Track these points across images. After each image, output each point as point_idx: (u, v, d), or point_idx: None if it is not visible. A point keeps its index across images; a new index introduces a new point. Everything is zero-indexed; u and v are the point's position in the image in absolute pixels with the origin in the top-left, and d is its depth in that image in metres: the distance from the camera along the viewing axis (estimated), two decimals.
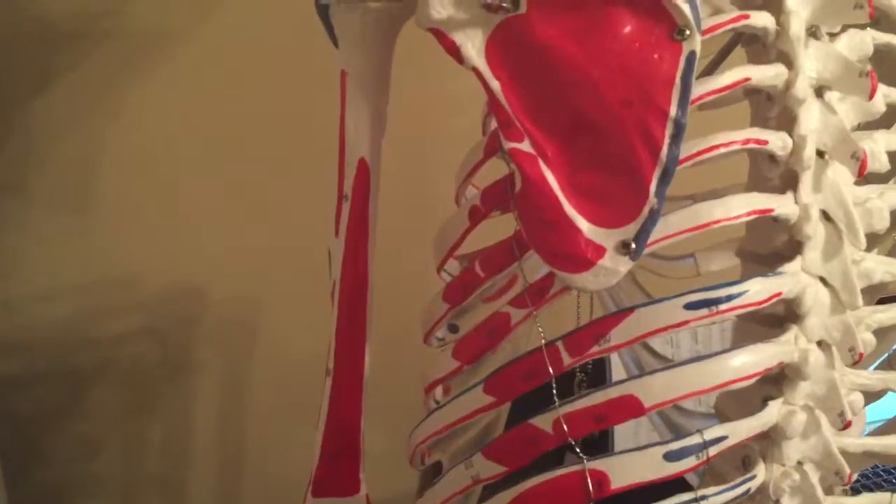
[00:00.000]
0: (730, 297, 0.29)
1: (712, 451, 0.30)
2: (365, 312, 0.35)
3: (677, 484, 0.31)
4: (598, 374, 0.54)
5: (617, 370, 0.60)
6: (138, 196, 0.80)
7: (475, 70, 0.30)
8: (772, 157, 0.32)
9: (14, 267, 0.80)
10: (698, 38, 0.28)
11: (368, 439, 0.38)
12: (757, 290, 0.30)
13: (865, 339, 0.33)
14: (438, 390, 0.38)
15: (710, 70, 0.37)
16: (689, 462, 0.30)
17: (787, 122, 0.32)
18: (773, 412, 0.32)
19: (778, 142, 0.31)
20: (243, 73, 0.77)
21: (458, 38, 0.30)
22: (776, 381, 0.33)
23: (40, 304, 0.81)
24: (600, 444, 0.59)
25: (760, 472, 0.32)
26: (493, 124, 0.32)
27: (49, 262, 0.80)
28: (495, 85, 0.30)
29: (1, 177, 0.78)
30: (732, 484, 0.31)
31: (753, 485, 0.32)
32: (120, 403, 0.85)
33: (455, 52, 0.30)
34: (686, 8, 0.28)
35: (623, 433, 0.58)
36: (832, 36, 0.34)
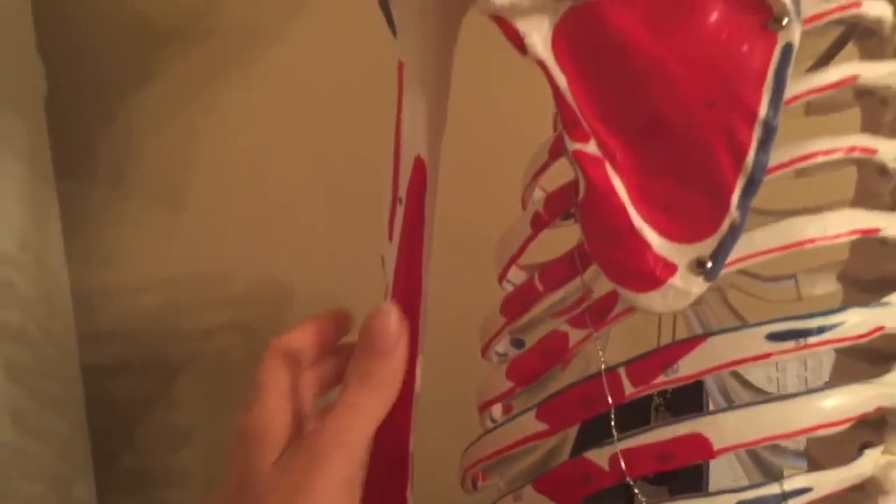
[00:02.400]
0: (822, 329, 0.25)
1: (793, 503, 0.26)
2: (418, 323, 0.33)
3: None
4: (683, 398, 0.50)
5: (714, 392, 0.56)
6: (230, 192, 0.81)
7: (540, 63, 0.27)
8: (882, 170, 0.27)
9: (112, 258, 0.82)
10: (797, 28, 0.25)
11: (419, 454, 0.36)
12: (855, 321, 0.26)
13: None
14: (497, 408, 0.35)
15: (823, 64, 0.33)
16: None
17: None
18: (868, 462, 0.27)
19: (890, 152, 0.27)
20: (335, 71, 0.77)
21: (523, 26, 0.27)
22: (877, 426, 0.29)
23: (135, 295, 0.84)
24: (693, 477, 0.55)
25: None
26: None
27: (144, 255, 0.82)
28: (562, 80, 0.27)
29: (103, 170, 0.80)
30: None
31: None
32: (206, 395, 0.86)
33: (519, 42, 0.27)
34: None
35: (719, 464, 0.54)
36: None
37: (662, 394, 0.44)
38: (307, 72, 0.77)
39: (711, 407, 0.45)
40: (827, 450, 0.31)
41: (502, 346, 0.37)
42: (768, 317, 0.27)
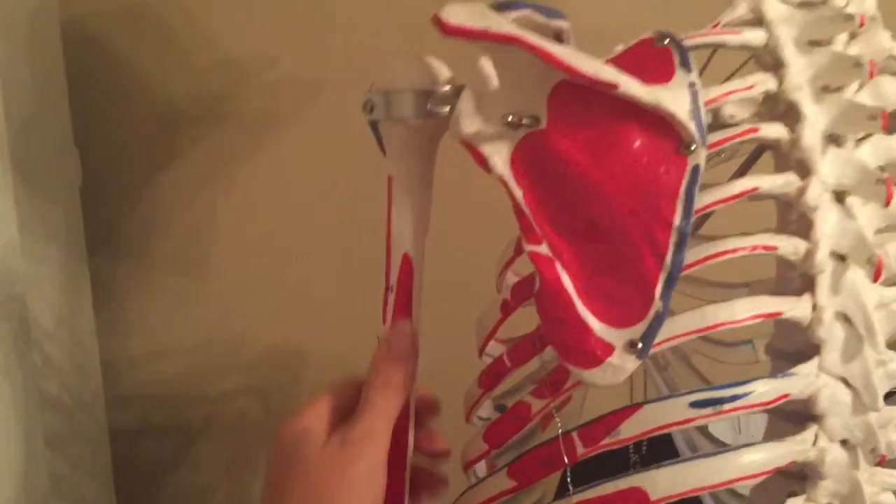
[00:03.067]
0: (734, 398, 0.31)
1: None
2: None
3: None
4: (659, 452, 0.55)
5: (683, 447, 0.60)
6: (247, 263, 0.87)
7: (501, 179, 0.33)
8: (786, 262, 0.33)
9: (136, 326, 0.87)
10: (703, 153, 0.30)
11: None
12: (762, 391, 0.31)
13: (893, 441, 0.33)
14: (481, 466, 0.41)
15: (742, 173, 0.38)
16: None
17: (804, 226, 0.33)
18: None
19: (789, 247, 0.32)
20: (345, 153, 0.83)
21: (487, 150, 0.33)
22: (800, 478, 0.34)
23: (157, 362, 0.89)
24: None
25: None
26: None
27: (167, 323, 0.88)
28: (518, 193, 0.33)
29: (129, 243, 0.86)
30: None
31: None
32: (225, 457, 0.90)
33: (483, 162, 0.33)
34: (692, 125, 0.30)
35: None
36: (859, 141, 0.35)
37: (637, 450, 0.49)
38: (319, 153, 0.83)
39: None
40: (764, 497, 0.36)
41: (486, 411, 0.42)
42: (731, 377, 0.33)
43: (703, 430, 0.49)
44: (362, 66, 0.83)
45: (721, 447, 0.39)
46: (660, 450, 0.53)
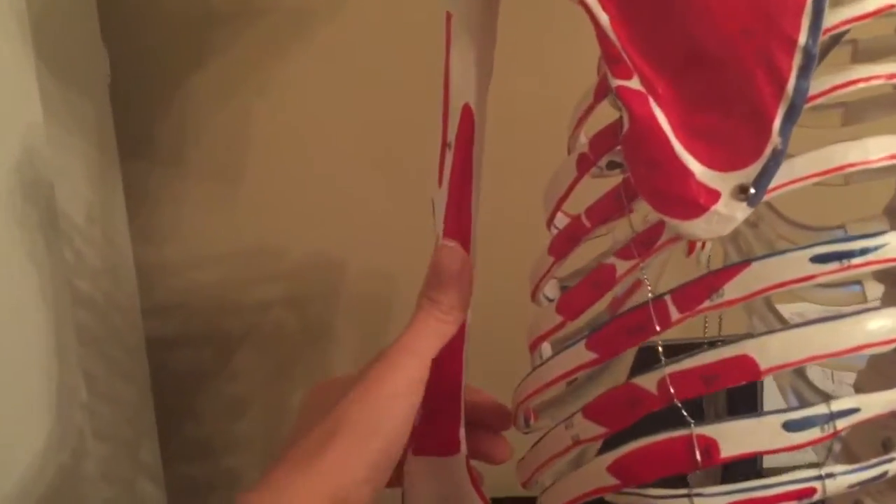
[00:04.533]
0: (864, 251, 0.26)
1: (840, 423, 0.27)
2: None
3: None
4: (746, 398, 0.50)
5: (769, 394, 0.55)
6: (284, 169, 0.83)
7: (582, 2, 0.28)
8: None
9: (171, 234, 0.85)
10: None
11: None
12: None
13: None
14: (546, 347, 0.36)
15: None
16: (813, 434, 0.27)
17: None
18: None
19: None
20: (384, 48, 0.79)
21: None
22: None
23: (193, 270, 0.87)
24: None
25: None
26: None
27: (202, 230, 0.85)
28: (604, 18, 0.28)
29: (161, 149, 0.83)
30: (866, 464, 0.28)
31: (892, 468, 0.28)
32: (263, 367, 0.89)
33: None
34: None
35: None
36: None
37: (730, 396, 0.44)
38: (357, 50, 0.79)
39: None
40: (877, 381, 0.31)
41: (551, 290, 0.38)
42: None
43: (804, 377, 0.44)
44: None
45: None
46: (742, 400, 0.48)
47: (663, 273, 0.38)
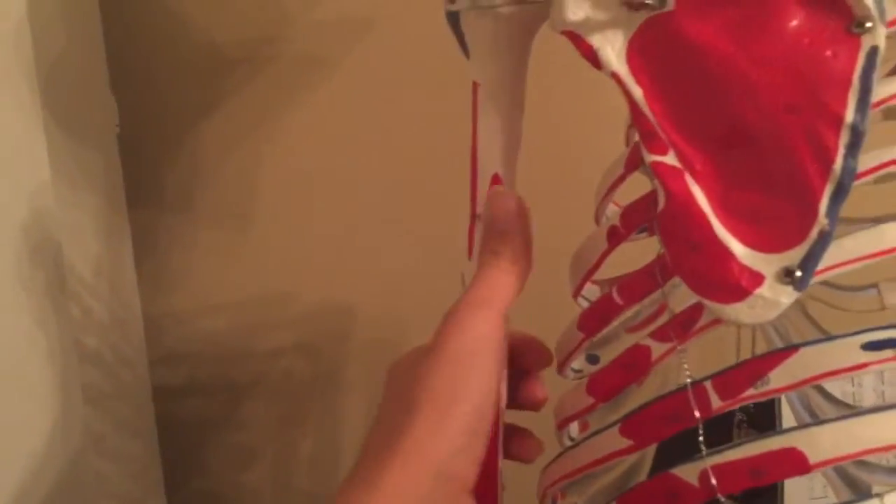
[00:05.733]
0: None
1: None
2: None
3: None
4: (763, 414, 0.49)
5: (787, 409, 0.54)
6: (293, 215, 0.82)
7: (615, 75, 0.27)
8: None
9: (180, 282, 0.84)
10: (882, 30, 0.24)
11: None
12: None
13: None
14: (573, 426, 0.35)
15: None
16: None
17: None
18: None
19: None
20: (397, 97, 0.78)
21: (596, 41, 0.27)
22: None
23: (202, 318, 0.85)
24: (769, 493, 0.53)
25: None
26: (636, 136, 0.28)
27: (211, 278, 0.84)
28: (637, 92, 0.27)
29: (169, 197, 0.82)
30: None
31: None
32: (272, 416, 0.87)
33: (592, 56, 0.27)
34: None
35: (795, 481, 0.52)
36: None
37: (745, 409, 0.43)
38: (369, 98, 0.78)
39: (791, 423, 0.44)
40: None
41: (578, 362, 0.37)
42: (848, 329, 0.27)
43: (823, 391, 0.43)
44: (414, 1, 0.78)
45: (854, 409, 0.33)
46: (764, 413, 0.47)
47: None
